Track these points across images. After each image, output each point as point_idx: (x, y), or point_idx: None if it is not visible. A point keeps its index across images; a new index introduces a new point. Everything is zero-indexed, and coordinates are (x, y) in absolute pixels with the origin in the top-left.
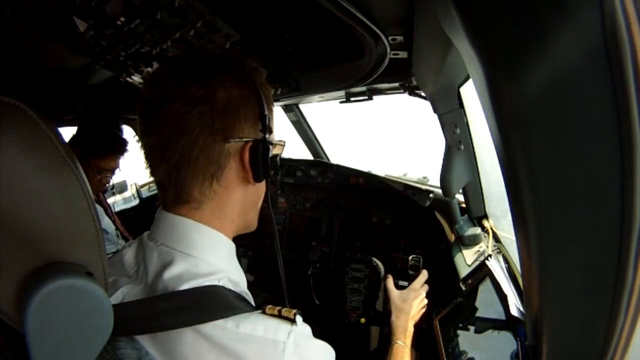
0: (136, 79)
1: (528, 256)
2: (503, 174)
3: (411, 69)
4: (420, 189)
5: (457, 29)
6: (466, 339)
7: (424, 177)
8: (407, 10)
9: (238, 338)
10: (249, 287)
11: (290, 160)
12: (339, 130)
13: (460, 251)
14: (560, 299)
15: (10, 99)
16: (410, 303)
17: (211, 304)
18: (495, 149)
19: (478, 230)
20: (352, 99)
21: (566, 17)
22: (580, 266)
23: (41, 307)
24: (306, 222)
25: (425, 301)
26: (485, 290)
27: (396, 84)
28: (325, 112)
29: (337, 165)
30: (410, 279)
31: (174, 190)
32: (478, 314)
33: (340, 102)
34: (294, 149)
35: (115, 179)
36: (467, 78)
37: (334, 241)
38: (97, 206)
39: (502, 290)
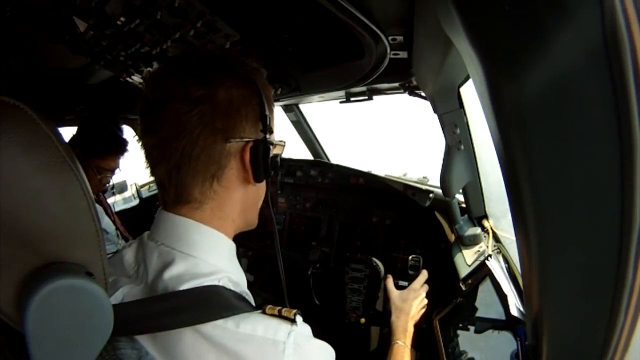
0: (136, 79)
1: (528, 256)
2: (503, 174)
3: (411, 69)
4: (420, 189)
5: (457, 29)
6: (466, 339)
7: (424, 177)
8: (407, 10)
9: (238, 338)
10: (249, 287)
11: (290, 160)
12: (339, 130)
13: (460, 251)
14: (560, 299)
15: (10, 99)
16: (410, 303)
17: (211, 304)
18: (495, 149)
19: (478, 230)
20: (352, 99)
21: (566, 17)
22: (580, 266)
23: (41, 307)
24: (306, 222)
25: (425, 301)
26: (485, 290)
27: (396, 84)
28: (325, 112)
29: (337, 165)
30: (410, 279)
31: (174, 190)
32: (478, 314)
33: (340, 102)
34: (294, 149)
35: (115, 179)
36: (467, 78)
37: (334, 241)
38: (97, 206)
39: (502, 290)
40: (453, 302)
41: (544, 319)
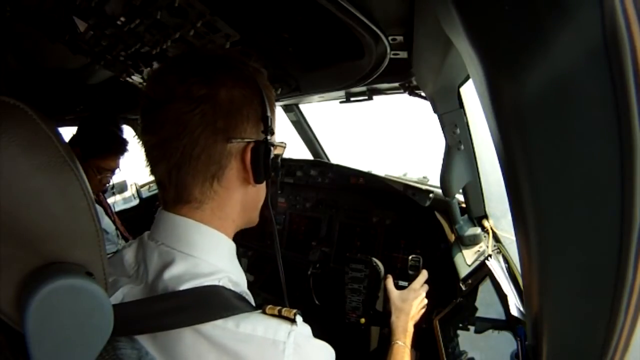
0: (136, 79)
1: (528, 256)
2: (503, 174)
3: (411, 69)
4: (420, 189)
5: (457, 29)
6: (466, 339)
7: (424, 177)
8: (407, 10)
9: (238, 338)
10: (249, 287)
11: (290, 160)
12: (339, 130)
13: (460, 251)
14: (560, 299)
15: (10, 99)
16: (410, 303)
17: (211, 304)
18: (495, 149)
19: (478, 230)
20: (352, 99)
21: (566, 17)
22: (580, 266)
23: (41, 307)
24: (306, 222)
25: (425, 301)
26: (485, 290)
27: (396, 84)
28: (325, 112)
29: (337, 165)
30: (410, 279)
31: (174, 190)
32: (478, 314)
33: (340, 102)
34: (294, 149)
35: (115, 179)
36: (467, 78)
37: (334, 241)
38: (97, 206)
39: (502, 290)
40: (453, 302)
41: (544, 319)
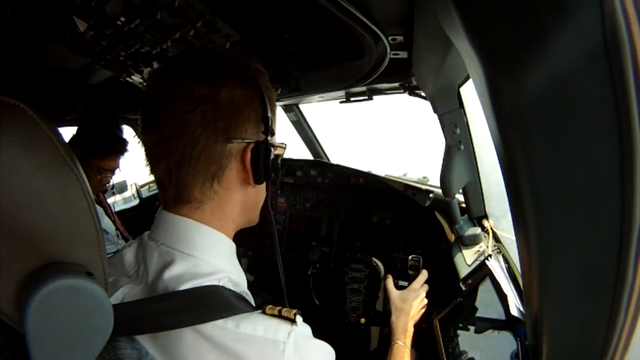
0: (136, 79)
1: (528, 256)
2: (503, 174)
3: (411, 69)
4: (420, 189)
5: (457, 29)
6: (466, 339)
7: (424, 177)
8: (407, 10)
9: (238, 338)
10: (249, 287)
11: (290, 160)
12: (339, 130)
13: (460, 251)
14: (560, 299)
15: (10, 99)
16: (410, 303)
17: (211, 304)
18: (495, 149)
19: (478, 230)
20: (352, 99)
21: (566, 17)
22: (580, 266)
23: (41, 307)
24: (306, 222)
25: (425, 301)
26: (485, 290)
27: (396, 84)
28: (325, 112)
29: (337, 165)
30: (410, 279)
31: (174, 189)
32: (478, 314)
33: (340, 102)
34: (294, 149)
35: (115, 179)
36: (467, 78)
37: (334, 241)
38: (97, 206)
39: (502, 290)
40: (453, 302)
41: (544, 319)
